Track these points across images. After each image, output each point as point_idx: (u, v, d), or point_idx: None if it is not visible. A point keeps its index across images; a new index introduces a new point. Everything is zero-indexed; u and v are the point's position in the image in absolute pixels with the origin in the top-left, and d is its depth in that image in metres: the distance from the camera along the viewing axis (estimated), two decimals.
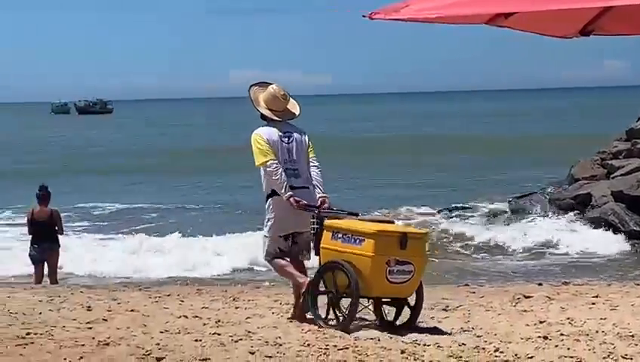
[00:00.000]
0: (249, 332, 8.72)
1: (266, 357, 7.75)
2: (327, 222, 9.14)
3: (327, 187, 9.58)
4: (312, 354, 7.84)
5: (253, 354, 7.83)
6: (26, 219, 15.23)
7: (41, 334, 8.37)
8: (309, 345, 8.19)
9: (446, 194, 30.65)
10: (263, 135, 9.38)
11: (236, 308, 10.45)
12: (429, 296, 9.87)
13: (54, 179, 25.44)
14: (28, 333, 8.34)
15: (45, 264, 14.62)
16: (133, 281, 16.24)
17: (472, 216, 25.06)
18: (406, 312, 9.24)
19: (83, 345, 7.99)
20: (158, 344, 8.09)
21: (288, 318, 9.44)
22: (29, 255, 14.72)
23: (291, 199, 9.14)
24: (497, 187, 30.97)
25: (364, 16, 5.15)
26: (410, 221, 23.46)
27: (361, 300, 8.98)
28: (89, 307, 10.11)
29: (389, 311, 9.32)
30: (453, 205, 26.65)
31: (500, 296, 11.78)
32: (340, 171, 32.11)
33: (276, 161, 9.24)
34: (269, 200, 9.34)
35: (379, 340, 8.44)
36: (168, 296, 11.58)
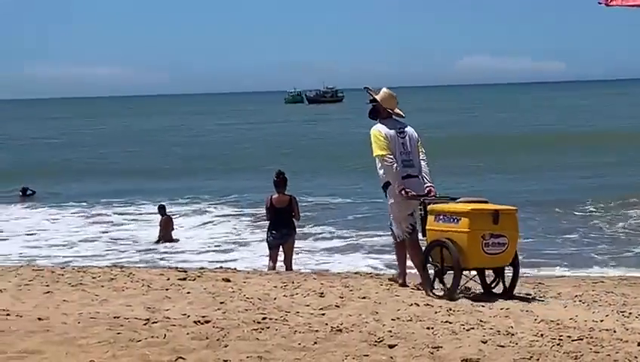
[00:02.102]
0: (480, 321, 8.79)
1: (499, 346, 7.79)
2: (430, 206, 10.72)
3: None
4: (545, 345, 7.83)
5: (485, 342, 7.89)
6: (264, 206, 15.58)
7: (276, 319, 8.73)
8: (542, 335, 8.19)
9: None
10: (382, 131, 11.02)
11: (466, 297, 10.50)
12: None
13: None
14: (264, 318, 8.72)
15: (281, 249, 15.10)
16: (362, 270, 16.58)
17: None
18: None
19: (317, 330, 8.27)
20: (390, 331, 8.29)
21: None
22: (267, 240, 15.26)
23: (402, 191, 10.82)
24: None
25: (599, 3, 5.11)
26: None
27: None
28: (322, 293, 10.43)
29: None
30: None
31: None
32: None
33: (392, 157, 10.89)
34: (389, 187, 10.94)
35: (614, 331, 8.32)
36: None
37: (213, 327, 8.18)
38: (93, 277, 11.38)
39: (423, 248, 10.96)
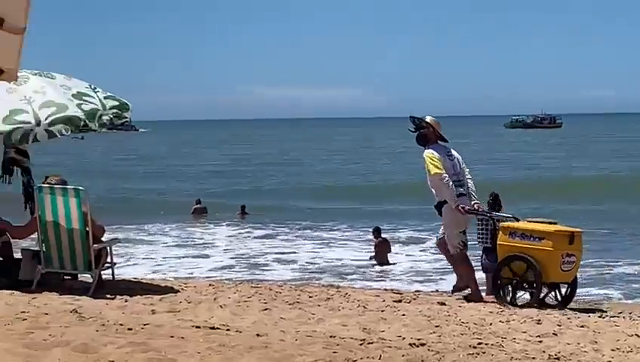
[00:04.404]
0: None
1: None
2: (503, 224, 12.32)
3: None
4: None
5: None
6: None
7: (492, 344, 8.79)
8: None
9: None
10: (435, 153, 12.33)
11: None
12: None
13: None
14: (479, 343, 8.80)
15: None
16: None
17: None
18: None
19: (534, 358, 8.29)
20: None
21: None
22: (482, 264, 15.24)
23: (459, 207, 12.12)
24: None
25: None
26: None
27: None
28: (539, 321, 10.41)
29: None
30: None
31: None
32: None
33: (447, 175, 12.18)
34: (445, 206, 12.22)
35: None
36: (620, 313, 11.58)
37: (429, 350, 8.32)
38: (310, 296, 11.75)
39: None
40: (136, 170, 64.98)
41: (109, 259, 12.32)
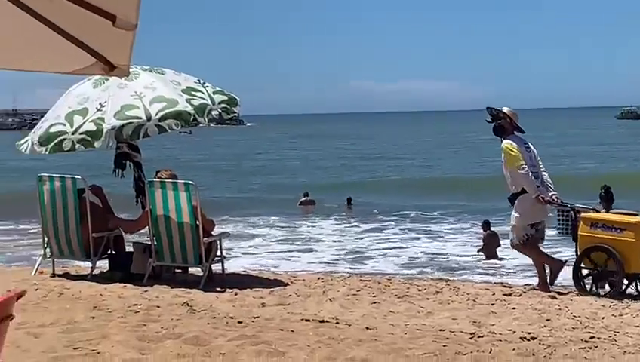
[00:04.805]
0: None
1: None
2: (584, 215, 12.34)
3: None
4: None
5: None
6: None
7: (605, 339, 8.66)
8: None
9: None
10: (514, 144, 12.41)
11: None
12: None
13: None
14: (591, 337, 8.68)
15: None
16: None
17: None
18: None
19: None
20: None
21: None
22: None
23: (539, 197, 12.22)
24: None
25: None
26: None
27: None
28: None
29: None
30: None
31: None
32: None
33: (527, 166, 12.26)
34: (520, 196, 12.30)
35: None
36: None
37: (540, 344, 8.24)
38: (419, 290, 11.73)
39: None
40: (242, 163, 65.66)
41: (218, 253, 12.48)
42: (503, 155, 12.49)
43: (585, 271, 12.29)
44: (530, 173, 12.30)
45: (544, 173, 12.68)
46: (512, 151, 12.36)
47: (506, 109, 12.73)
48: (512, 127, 12.62)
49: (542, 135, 72.84)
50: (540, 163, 12.72)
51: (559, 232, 12.90)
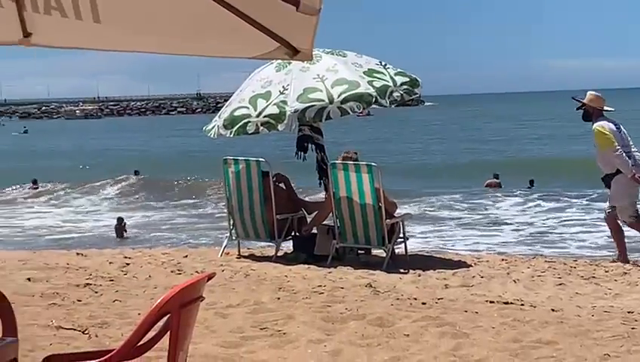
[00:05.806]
0: None
1: None
2: None
3: None
4: None
5: None
6: None
7: None
8: None
9: None
10: (606, 126, 12.53)
11: None
12: None
13: None
14: None
15: None
16: None
17: None
18: None
19: None
20: None
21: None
22: None
23: (636, 176, 12.28)
24: None
25: None
26: None
27: None
28: None
29: None
30: None
31: None
32: None
33: (620, 147, 12.32)
34: (616, 176, 12.40)
35: None
36: None
37: None
38: (606, 271, 11.46)
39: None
40: (426, 142, 65.63)
41: (401, 234, 12.49)
42: (595, 138, 12.63)
43: None
44: (625, 155, 12.39)
45: (637, 153, 12.67)
46: (605, 132, 12.49)
47: (590, 94, 12.87)
48: (599, 110, 12.73)
49: None
50: (631, 142, 12.76)
51: None
